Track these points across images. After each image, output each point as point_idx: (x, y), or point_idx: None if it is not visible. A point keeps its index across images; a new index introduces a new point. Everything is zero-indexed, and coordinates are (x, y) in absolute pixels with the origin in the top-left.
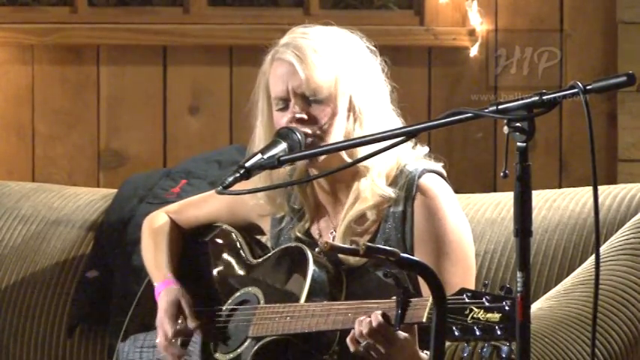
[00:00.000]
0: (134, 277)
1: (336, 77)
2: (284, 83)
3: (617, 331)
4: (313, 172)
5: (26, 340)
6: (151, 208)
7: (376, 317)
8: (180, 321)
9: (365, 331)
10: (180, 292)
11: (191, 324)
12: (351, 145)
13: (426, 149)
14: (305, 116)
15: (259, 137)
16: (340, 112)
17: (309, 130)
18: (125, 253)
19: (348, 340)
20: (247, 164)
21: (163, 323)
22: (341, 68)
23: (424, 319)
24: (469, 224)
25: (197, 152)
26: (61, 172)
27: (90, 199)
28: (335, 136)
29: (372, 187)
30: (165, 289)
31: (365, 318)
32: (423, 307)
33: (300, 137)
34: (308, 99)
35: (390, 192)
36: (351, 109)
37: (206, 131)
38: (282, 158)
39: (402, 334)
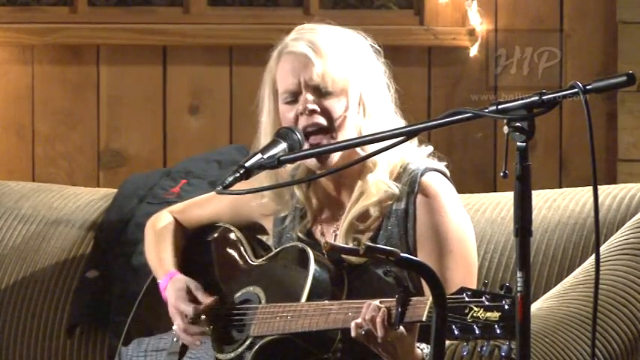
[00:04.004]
0: (134, 277)
1: (350, 72)
2: (295, 76)
3: (617, 331)
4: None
5: (26, 340)
6: (150, 208)
7: (380, 307)
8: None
9: (368, 317)
10: (186, 279)
11: (207, 300)
12: (351, 145)
13: (430, 148)
14: (317, 108)
15: (265, 135)
16: (352, 106)
17: (323, 122)
18: (125, 253)
19: (353, 322)
20: (247, 164)
21: (179, 306)
22: (353, 64)
23: (424, 318)
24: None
25: (197, 152)
26: (61, 172)
27: (90, 199)
28: (348, 130)
29: (378, 182)
30: (171, 280)
31: (373, 303)
32: (422, 306)
33: (300, 137)
34: (320, 91)
35: (395, 187)
36: (360, 104)
37: (206, 131)
38: (281, 158)
39: (401, 329)
